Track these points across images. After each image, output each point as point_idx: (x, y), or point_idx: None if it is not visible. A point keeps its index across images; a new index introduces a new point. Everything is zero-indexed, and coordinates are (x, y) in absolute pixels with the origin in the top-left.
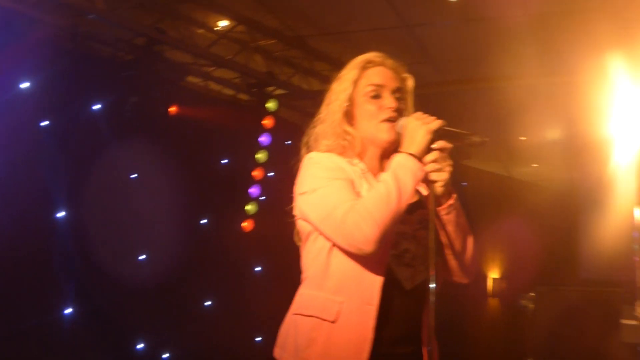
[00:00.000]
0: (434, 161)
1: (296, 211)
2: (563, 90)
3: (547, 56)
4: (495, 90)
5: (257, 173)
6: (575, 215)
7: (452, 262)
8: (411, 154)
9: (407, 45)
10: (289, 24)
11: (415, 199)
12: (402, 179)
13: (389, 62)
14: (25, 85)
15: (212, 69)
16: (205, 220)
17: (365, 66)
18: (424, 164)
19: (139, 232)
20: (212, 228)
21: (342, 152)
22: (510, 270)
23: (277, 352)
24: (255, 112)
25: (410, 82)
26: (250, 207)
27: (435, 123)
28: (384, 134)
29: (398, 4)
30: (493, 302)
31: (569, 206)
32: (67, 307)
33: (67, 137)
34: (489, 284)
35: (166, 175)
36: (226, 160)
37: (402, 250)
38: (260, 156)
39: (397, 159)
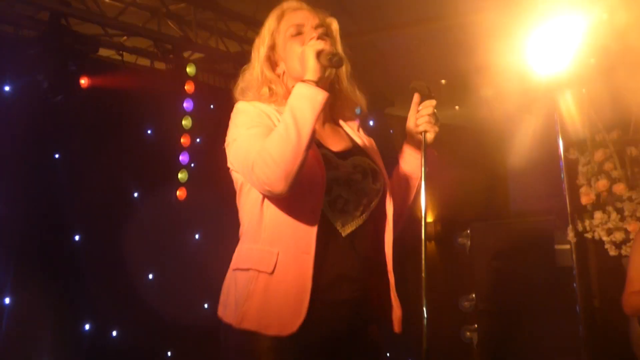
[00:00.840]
0: (430, 114)
1: (228, 162)
2: (479, 28)
3: None
4: (411, 35)
5: (184, 140)
6: (501, 151)
7: (400, 207)
8: (304, 81)
9: None
10: None
11: (347, 146)
12: (297, 108)
13: (307, 5)
14: None
15: (124, 39)
16: (137, 194)
17: (283, 14)
18: (326, 86)
19: (71, 213)
20: (145, 200)
21: (270, 100)
22: (443, 212)
23: (220, 310)
24: (175, 78)
25: (334, 24)
26: (182, 175)
27: (320, 44)
28: None
29: None
30: (430, 246)
31: (493, 144)
32: (4, 297)
33: None
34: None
35: (92, 152)
36: (150, 131)
37: (335, 196)
38: (186, 122)
39: (294, 90)
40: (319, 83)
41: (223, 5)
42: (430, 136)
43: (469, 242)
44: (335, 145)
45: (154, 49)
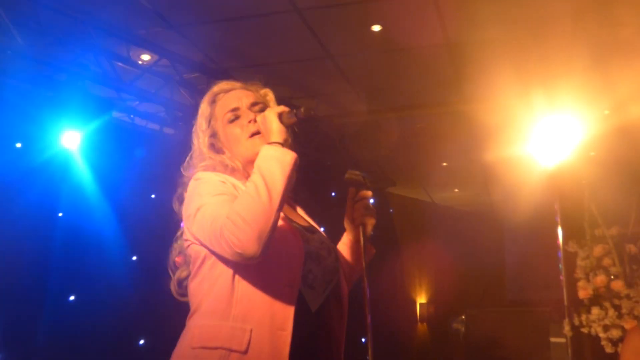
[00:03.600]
0: (366, 207)
1: (187, 235)
2: (483, 115)
3: (464, 83)
4: (416, 117)
5: None
6: (499, 237)
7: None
8: (271, 143)
9: (330, 75)
10: (212, 57)
11: (308, 223)
12: (267, 170)
13: (239, 84)
14: None
15: (136, 103)
16: (135, 258)
17: (215, 99)
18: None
19: (70, 273)
20: (143, 265)
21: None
22: (437, 294)
23: None
24: (183, 145)
25: (270, 95)
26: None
27: (278, 107)
28: (257, 148)
29: (321, 35)
30: (422, 327)
31: (491, 229)
32: None
33: None
34: (417, 309)
35: (96, 212)
36: (154, 195)
37: (307, 271)
38: None
39: (260, 153)
40: (285, 145)
41: (235, 77)
42: (368, 228)
43: (463, 328)
44: (299, 220)
45: (165, 114)
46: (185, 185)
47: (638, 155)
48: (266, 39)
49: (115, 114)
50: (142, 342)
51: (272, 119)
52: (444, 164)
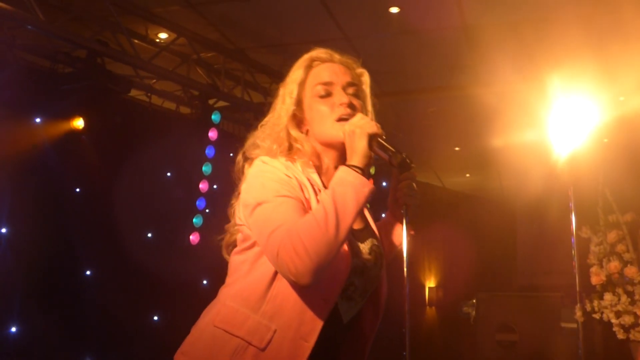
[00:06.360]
0: (409, 188)
1: (241, 219)
2: (496, 99)
3: (479, 66)
4: (429, 101)
5: (203, 185)
6: (510, 223)
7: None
8: (352, 167)
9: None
10: (229, 36)
11: (363, 222)
12: (341, 197)
13: (338, 57)
14: None
15: (153, 81)
16: (150, 235)
17: (311, 65)
18: (368, 176)
19: (85, 248)
20: (158, 242)
21: (289, 155)
22: (447, 279)
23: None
24: (199, 124)
25: (365, 77)
26: (197, 220)
27: (373, 126)
28: (340, 134)
29: (339, 16)
30: (430, 311)
31: (503, 214)
32: (10, 327)
33: (9, 151)
34: (426, 293)
35: (111, 189)
36: (170, 174)
37: (348, 284)
38: (206, 169)
39: (338, 174)
40: (365, 172)
41: (251, 57)
42: (411, 209)
43: (473, 312)
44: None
45: (181, 93)
46: (249, 160)
47: None
48: (283, 19)
49: (132, 91)
50: (156, 318)
51: (362, 140)
52: (456, 149)
